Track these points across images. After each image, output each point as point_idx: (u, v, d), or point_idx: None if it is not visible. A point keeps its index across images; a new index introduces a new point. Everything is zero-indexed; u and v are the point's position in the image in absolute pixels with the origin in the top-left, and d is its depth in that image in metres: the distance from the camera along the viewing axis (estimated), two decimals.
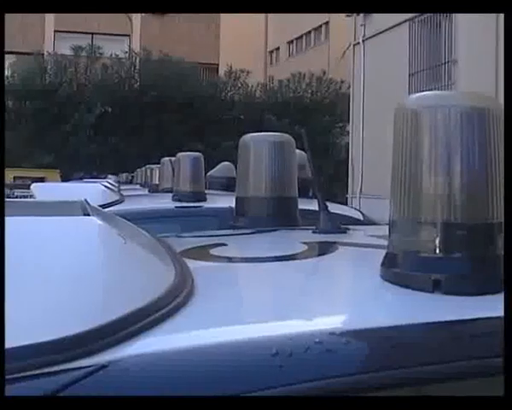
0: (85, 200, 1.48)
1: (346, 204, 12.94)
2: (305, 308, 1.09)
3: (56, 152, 22.61)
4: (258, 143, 2.19)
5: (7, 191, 9.90)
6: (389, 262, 1.16)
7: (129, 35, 29.80)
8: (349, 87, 19.93)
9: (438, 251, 1.10)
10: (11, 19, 22.85)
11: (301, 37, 32.31)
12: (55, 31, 29.45)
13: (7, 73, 24.19)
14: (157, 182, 6.97)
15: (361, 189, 17.69)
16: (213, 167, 6.85)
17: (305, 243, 1.68)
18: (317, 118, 24.48)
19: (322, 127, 24.28)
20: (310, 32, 31.42)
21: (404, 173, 1.13)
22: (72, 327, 0.83)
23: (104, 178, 10.63)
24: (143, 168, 10.11)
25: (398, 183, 1.15)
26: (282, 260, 1.54)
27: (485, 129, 1.11)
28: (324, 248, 1.73)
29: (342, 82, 24.68)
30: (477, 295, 1.07)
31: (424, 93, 1.20)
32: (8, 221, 1.04)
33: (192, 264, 1.27)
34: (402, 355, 0.93)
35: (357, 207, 10.50)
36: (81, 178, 12.51)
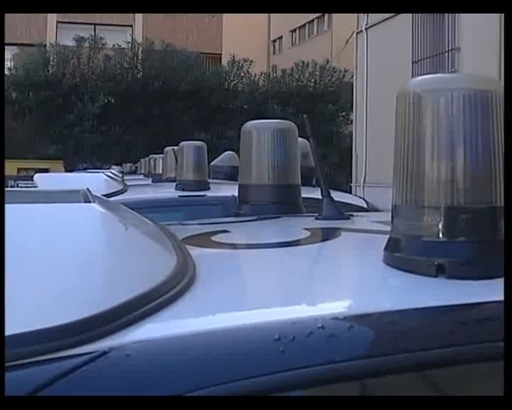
0: (87, 189, 1.48)
1: (350, 193, 12.94)
2: (307, 294, 1.08)
3: (61, 143, 22.64)
4: (260, 131, 2.18)
5: (11, 183, 9.90)
6: (392, 247, 1.15)
7: (131, 25, 29.75)
8: (352, 76, 19.91)
9: (441, 235, 1.09)
10: None
11: (304, 25, 32.22)
12: (57, 22, 29.41)
13: (10, 64, 24.18)
14: (160, 171, 6.97)
15: (365, 178, 17.71)
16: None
17: (307, 229, 1.67)
18: (320, 107, 24.47)
19: (326, 116, 24.28)
20: (312, 20, 31.33)
21: (407, 157, 1.12)
22: (72, 313, 0.82)
23: (108, 168, 10.63)
24: (147, 158, 10.10)
25: (400, 167, 1.14)
26: (284, 246, 1.53)
27: (488, 111, 1.09)
28: (327, 234, 1.72)
29: (346, 71, 24.65)
30: (481, 279, 1.06)
31: (426, 76, 1.18)
32: (9, 209, 1.03)
33: (194, 250, 1.26)
34: (405, 340, 0.93)
35: (362, 196, 10.49)
36: (84, 169, 12.49)
